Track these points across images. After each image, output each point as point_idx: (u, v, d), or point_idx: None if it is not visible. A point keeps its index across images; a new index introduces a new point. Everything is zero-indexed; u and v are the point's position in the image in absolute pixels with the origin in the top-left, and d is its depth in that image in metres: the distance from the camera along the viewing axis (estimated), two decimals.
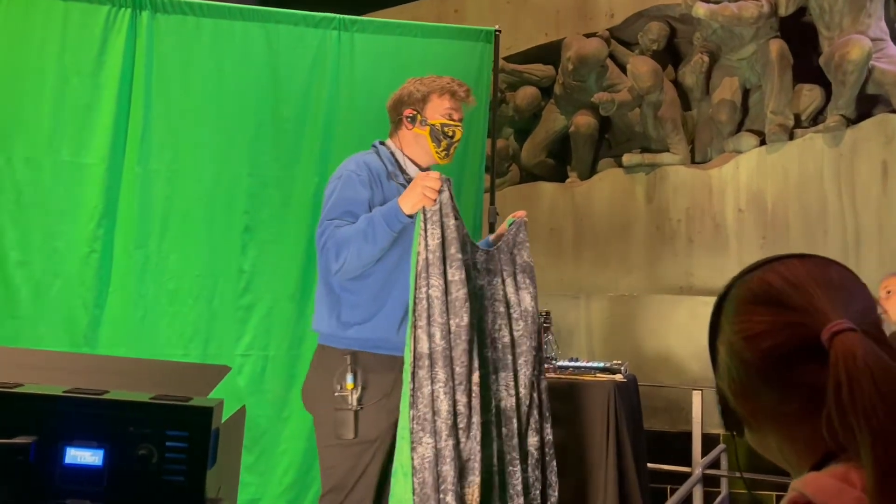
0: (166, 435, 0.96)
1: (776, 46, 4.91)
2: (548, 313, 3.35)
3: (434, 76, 2.44)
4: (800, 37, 5.03)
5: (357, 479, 2.21)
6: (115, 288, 3.04)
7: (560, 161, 5.94)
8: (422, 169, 2.40)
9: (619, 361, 3.33)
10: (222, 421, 1.06)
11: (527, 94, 5.85)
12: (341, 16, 3.33)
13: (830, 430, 0.75)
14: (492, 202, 3.43)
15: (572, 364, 3.32)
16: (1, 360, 1.11)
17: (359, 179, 2.27)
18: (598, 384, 3.11)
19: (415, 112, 2.38)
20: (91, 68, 3.05)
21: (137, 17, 3.09)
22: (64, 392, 0.99)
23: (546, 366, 3.24)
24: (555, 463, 2.34)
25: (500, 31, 3.53)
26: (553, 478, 2.33)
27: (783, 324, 0.83)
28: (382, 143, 2.44)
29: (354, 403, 2.19)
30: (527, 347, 2.31)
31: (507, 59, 5.54)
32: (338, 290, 2.29)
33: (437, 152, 2.38)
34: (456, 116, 2.39)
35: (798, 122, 4.98)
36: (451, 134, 2.37)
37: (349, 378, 2.20)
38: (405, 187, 2.30)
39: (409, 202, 2.17)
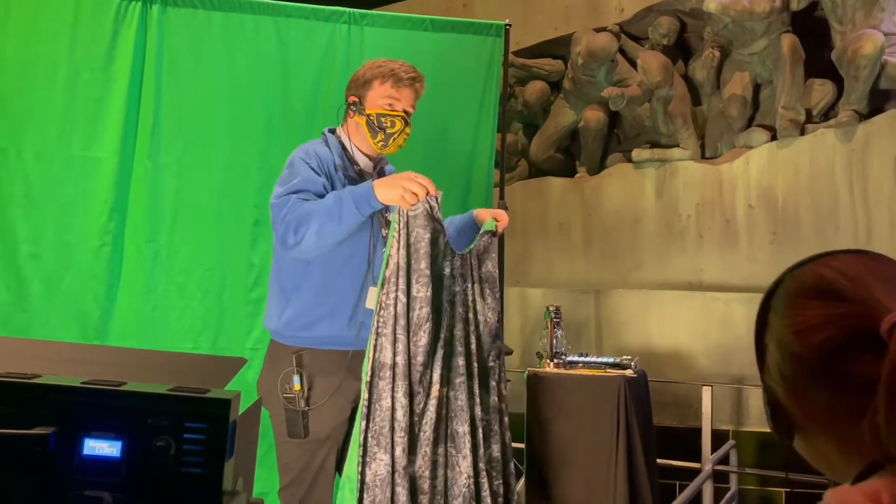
0: (184, 427, 0.96)
1: (788, 41, 4.88)
2: (558, 308, 3.34)
3: (386, 59, 2.31)
4: (812, 31, 4.99)
5: (315, 473, 2.20)
6: (126, 281, 3.05)
7: (569, 156, 5.92)
8: (370, 158, 2.33)
9: (629, 357, 3.33)
10: (239, 413, 1.05)
11: (536, 88, 5.83)
12: (351, 10, 3.34)
13: (874, 429, 0.70)
14: (501, 197, 3.42)
15: (582, 359, 3.32)
16: (19, 352, 1.11)
17: (308, 167, 2.18)
18: (608, 379, 3.10)
19: (356, 99, 2.27)
20: (102, 62, 3.06)
21: (148, 11, 3.10)
22: (82, 383, 0.99)
23: (556, 361, 3.25)
24: (512, 465, 2.29)
25: (510, 25, 3.51)
26: (512, 481, 2.28)
27: (837, 316, 0.78)
28: (332, 132, 2.33)
29: (303, 405, 2.15)
30: (485, 355, 2.24)
31: (516, 53, 5.51)
32: (289, 289, 2.22)
33: (374, 143, 2.26)
34: (398, 106, 2.25)
35: (809, 118, 4.94)
36: (386, 125, 2.23)
37: (296, 380, 2.15)
38: (353, 180, 2.24)
39: (385, 192, 2.05)
